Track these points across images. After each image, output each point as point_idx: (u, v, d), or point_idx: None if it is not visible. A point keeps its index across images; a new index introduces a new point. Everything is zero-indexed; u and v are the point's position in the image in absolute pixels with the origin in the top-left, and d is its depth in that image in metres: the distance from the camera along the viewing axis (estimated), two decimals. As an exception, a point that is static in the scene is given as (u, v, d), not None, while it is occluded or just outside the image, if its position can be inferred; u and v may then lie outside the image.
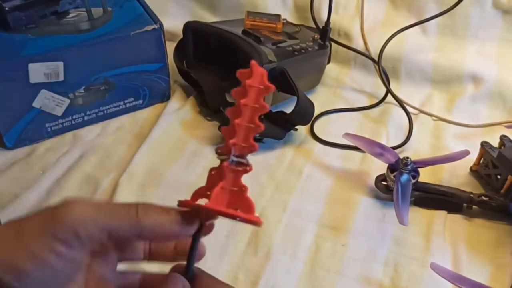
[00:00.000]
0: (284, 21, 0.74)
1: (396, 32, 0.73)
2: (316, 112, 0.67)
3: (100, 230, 0.30)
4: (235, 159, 0.38)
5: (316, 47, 0.71)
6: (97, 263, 0.34)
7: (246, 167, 0.38)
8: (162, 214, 0.32)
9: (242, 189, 0.37)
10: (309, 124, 0.67)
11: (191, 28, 0.68)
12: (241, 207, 0.36)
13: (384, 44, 0.73)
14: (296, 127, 0.65)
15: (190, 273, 0.34)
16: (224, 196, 0.36)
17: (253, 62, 0.41)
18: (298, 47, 0.68)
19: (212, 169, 0.39)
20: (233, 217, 0.34)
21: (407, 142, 0.66)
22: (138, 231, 0.31)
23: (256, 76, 0.39)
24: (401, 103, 0.70)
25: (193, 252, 0.34)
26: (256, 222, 0.34)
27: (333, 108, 0.71)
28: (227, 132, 0.39)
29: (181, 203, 0.34)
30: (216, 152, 0.42)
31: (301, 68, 0.67)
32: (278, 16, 0.73)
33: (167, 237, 0.34)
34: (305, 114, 0.64)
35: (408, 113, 0.69)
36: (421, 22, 0.74)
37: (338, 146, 0.65)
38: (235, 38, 0.66)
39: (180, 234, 0.33)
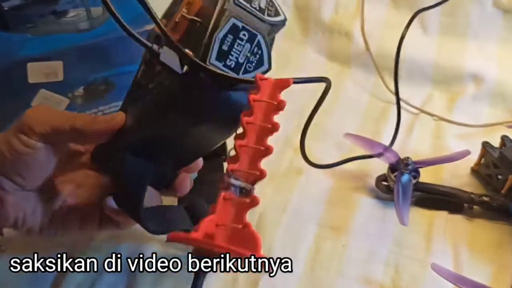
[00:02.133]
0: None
1: (403, 32, 0.70)
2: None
3: (47, 125, 0.41)
4: (237, 187, 0.32)
5: None
6: None
7: (252, 200, 0.31)
8: (91, 118, 0.42)
9: (246, 225, 0.31)
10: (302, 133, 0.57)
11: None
12: (244, 244, 0.31)
13: (398, 48, 0.68)
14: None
15: None
16: (224, 230, 0.31)
17: (258, 75, 0.34)
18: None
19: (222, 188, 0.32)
20: (235, 253, 0.30)
21: (394, 139, 0.63)
22: (73, 130, 0.41)
23: (264, 90, 0.33)
24: (399, 104, 0.68)
25: None
26: None
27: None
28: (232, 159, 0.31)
29: (170, 237, 0.32)
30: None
31: None
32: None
33: (95, 134, 0.42)
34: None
35: (399, 114, 0.66)
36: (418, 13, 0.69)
37: (328, 166, 0.60)
38: None
39: (104, 131, 0.41)
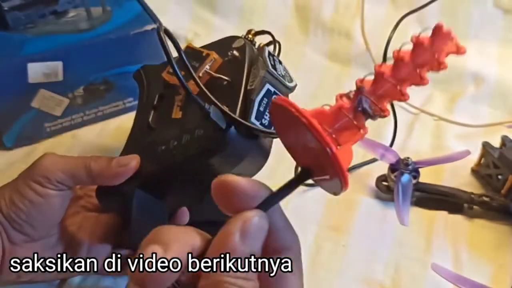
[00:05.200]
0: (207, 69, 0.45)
1: (395, 26, 0.70)
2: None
3: (61, 172, 0.41)
4: (366, 108, 0.28)
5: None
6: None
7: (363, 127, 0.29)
8: (106, 161, 0.42)
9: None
10: None
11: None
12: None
13: (385, 49, 0.70)
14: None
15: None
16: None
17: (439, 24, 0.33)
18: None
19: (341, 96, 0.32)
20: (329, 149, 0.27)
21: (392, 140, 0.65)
22: (89, 173, 0.41)
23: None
24: (392, 105, 0.67)
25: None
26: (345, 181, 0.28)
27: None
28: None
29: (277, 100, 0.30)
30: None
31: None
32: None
33: (110, 178, 0.42)
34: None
35: (395, 114, 0.67)
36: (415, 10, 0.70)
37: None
38: None
39: (120, 174, 0.42)
